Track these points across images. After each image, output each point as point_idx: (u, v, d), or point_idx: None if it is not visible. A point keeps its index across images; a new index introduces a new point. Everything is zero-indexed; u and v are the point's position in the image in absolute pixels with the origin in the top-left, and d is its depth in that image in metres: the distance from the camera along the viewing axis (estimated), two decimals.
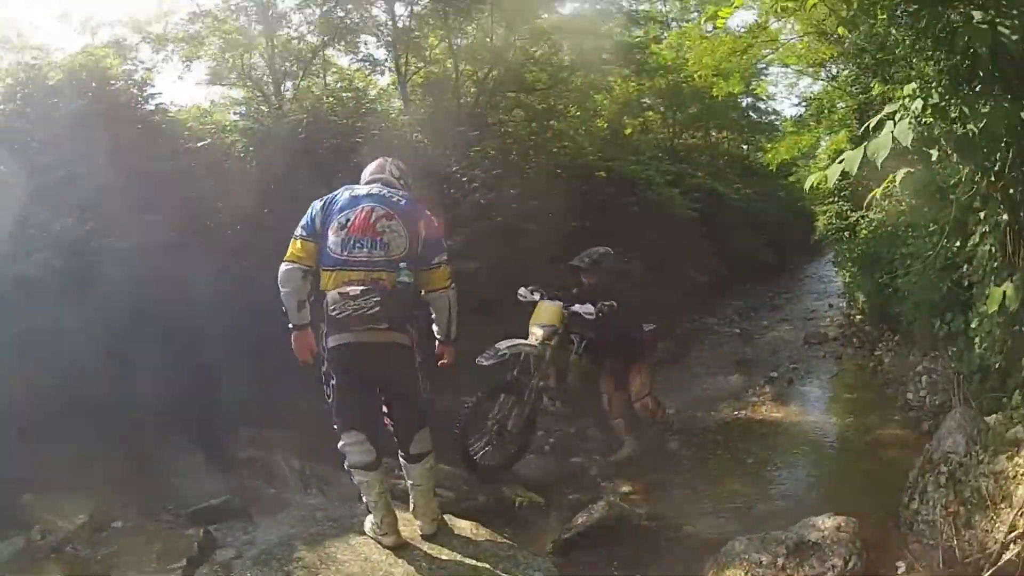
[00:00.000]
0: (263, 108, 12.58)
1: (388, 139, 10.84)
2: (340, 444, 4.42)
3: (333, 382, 4.34)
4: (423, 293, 4.47)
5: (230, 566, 4.64)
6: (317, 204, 4.38)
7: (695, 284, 15.08)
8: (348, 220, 4.24)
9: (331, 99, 11.51)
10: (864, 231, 11.06)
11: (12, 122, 7.64)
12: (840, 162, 3.64)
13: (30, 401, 5.93)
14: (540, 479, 6.71)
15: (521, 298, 7.32)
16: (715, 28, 18.96)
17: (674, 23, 22.95)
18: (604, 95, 17.51)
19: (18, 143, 7.34)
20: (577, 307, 6.90)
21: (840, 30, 9.29)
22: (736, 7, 5.23)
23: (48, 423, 5.88)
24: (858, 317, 12.04)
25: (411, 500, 4.64)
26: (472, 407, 6.33)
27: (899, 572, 4.40)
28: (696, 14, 21.40)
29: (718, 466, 6.83)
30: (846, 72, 15.69)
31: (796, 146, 21.55)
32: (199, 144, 8.94)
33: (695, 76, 18.74)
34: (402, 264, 4.19)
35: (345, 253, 4.20)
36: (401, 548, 4.41)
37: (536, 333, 6.82)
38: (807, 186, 4.19)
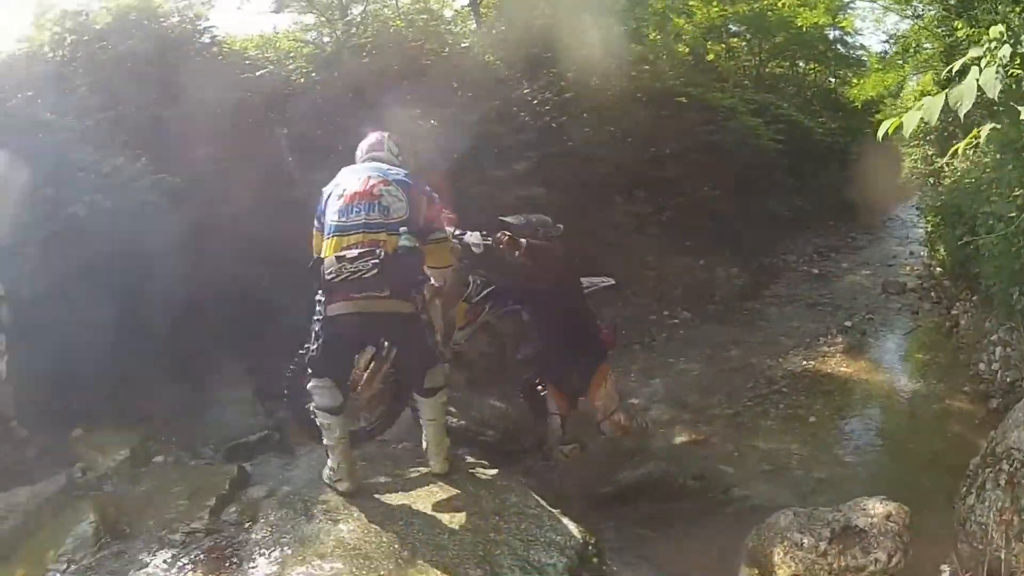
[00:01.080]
0: (328, 32, 12.21)
1: (459, 60, 10.55)
2: (309, 385, 4.35)
3: (320, 341, 4.24)
4: (426, 268, 4.45)
5: (258, 505, 4.52)
6: (325, 190, 4.37)
7: (775, 218, 14.52)
8: (345, 190, 4.22)
9: (399, 21, 11.13)
10: (948, 180, 10.34)
11: (60, 69, 7.62)
12: (919, 109, 3.17)
13: (81, 338, 5.82)
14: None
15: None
16: None
17: None
18: (685, 19, 16.77)
19: (67, 88, 7.29)
20: (467, 235, 5.39)
21: None
22: None
23: (99, 360, 5.80)
24: (938, 270, 11.37)
25: (424, 438, 4.58)
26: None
27: None
28: None
29: (779, 421, 6.55)
30: (932, 11, 14.77)
31: (882, 83, 20.75)
32: (258, 73, 8.68)
33: (780, 4, 18.06)
34: (403, 228, 4.08)
35: (342, 219, 4.14)
36: (354, 495, 4.31)
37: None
38: (880, 134, 3.73)
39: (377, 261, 3.93)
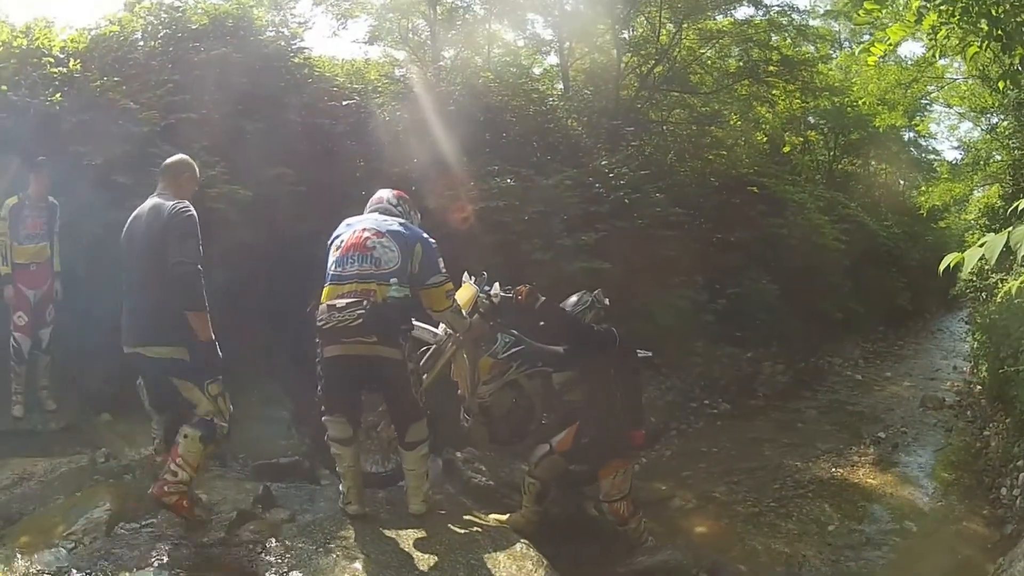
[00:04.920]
0: (419, 73, 12.44)
1: (542, 121, 10.68)
2: (323, 418, 4.62)
3: (322, 381, 4.56)
4: (432, 314, 4.70)
5: (278, 528, 4.54)
6: (330, 241, 4.62)
7: (827, 318, 14.40)
8: (342, 241, 4.47)
9: (490, 73, 11.31)
10: (999, 297, 10.27)
11: (149, 60, 7.70)
12: (980, 246, 3.22)
13: None
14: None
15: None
16: (881, 55, 18.16)
17: (846, 43, 21.99)
18: (767, 108, 16.88)
19: (154, 81, 7.37)
20: (495, 288, 5.25)
21: (1000, 85, 8.60)
22: (892, 45, 4.76)
23: None
24: (978, 388, 11.26)
25: (405, 482, 4.77)
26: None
27: None
28: (867, 37, 20.42)
29: (800, 525, 6.42)
30: (1006, 123, 14.72)
31: (949, 193, 20.60)
32: (344, 103, 8.81)
33: (860, 102, 18.07)
34: (393, 280, 4.30)
35: (339, 269, 4.40)
36: (361, 518, 4.55)
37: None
38: (940, 268, 3.74)
39: (363, 311, 4.13)
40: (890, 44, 4.66)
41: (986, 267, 14.37)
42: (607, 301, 5.43)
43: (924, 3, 3.61)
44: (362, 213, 4.71)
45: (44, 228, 6.06)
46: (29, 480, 4.97)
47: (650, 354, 5.76)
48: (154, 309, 4.26)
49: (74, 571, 3.99)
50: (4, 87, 6.51)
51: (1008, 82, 7.15)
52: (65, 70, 6.95)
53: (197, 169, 4.80)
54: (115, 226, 6.01)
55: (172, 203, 4.34)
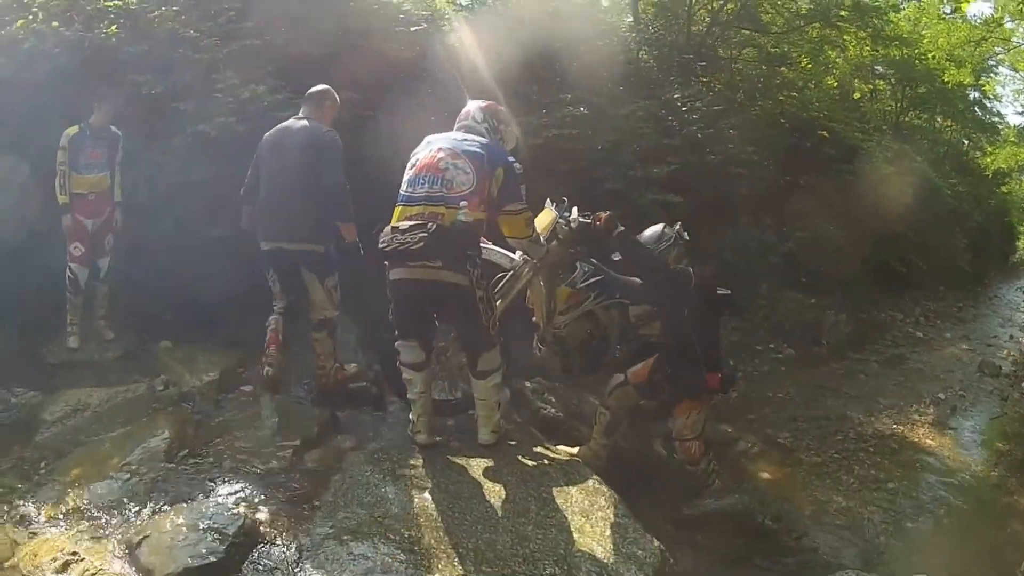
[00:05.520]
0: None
1: (613, 52, 10.43)
2: (396, 343, 4.60)
3: (392, 304, 4.51)
4: (510, 240, 4.64)
5: (342, 455, 4.53)
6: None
7: (890, 271, 14.21)
8: (417, 160, 4.38)
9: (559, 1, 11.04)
10: None
11: None
12: None
13: (185, 253, 5.97)
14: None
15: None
16: (953, 12, 17.68)
17: None
18: (837, 52, 16.40)
19: (214, 9, 7.29)
20: (574, 214, 5.07)
21: None
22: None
23: (200, 278, 5.86)
24: None
25: (475, 411, 4.70)
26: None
27: None
28: None
29: (860, 480, 6.41)
30: None
31: (1015, 157, 20.12)
32: (412, 29, 8.58)
33: (929, 55, 17.62)
34: (463, 203, 4.15)
35: (409, 190, 4.32)
36: (430, 447, 4.53)
37: None
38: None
39: (425, 234, 4.02)
40: None
41: None
42: (687, 236, 5.23)
43: None
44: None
45: (104, 158, 6.06)
46: (84, 411, 4.95)
47: (729, 292, 5.54)
48: (301, 212, 5.05)
49: (128, 502, 3.94)
50: (56, 23, 6.42)
51: None
52: (120, 2, 6.83)
53: (338, 98, 5.49)
54: (177, 153, 6.33)
55: (325, 129, 5.17)
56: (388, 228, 4.20)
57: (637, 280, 5.09)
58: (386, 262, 4.33)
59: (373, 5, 8.47)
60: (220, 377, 5.50)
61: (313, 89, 5.39)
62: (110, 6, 6.79)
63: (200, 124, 6.29)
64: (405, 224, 4.13)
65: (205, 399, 5.28)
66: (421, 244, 4.01)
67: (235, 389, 5.51)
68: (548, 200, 5.21)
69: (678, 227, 5.25)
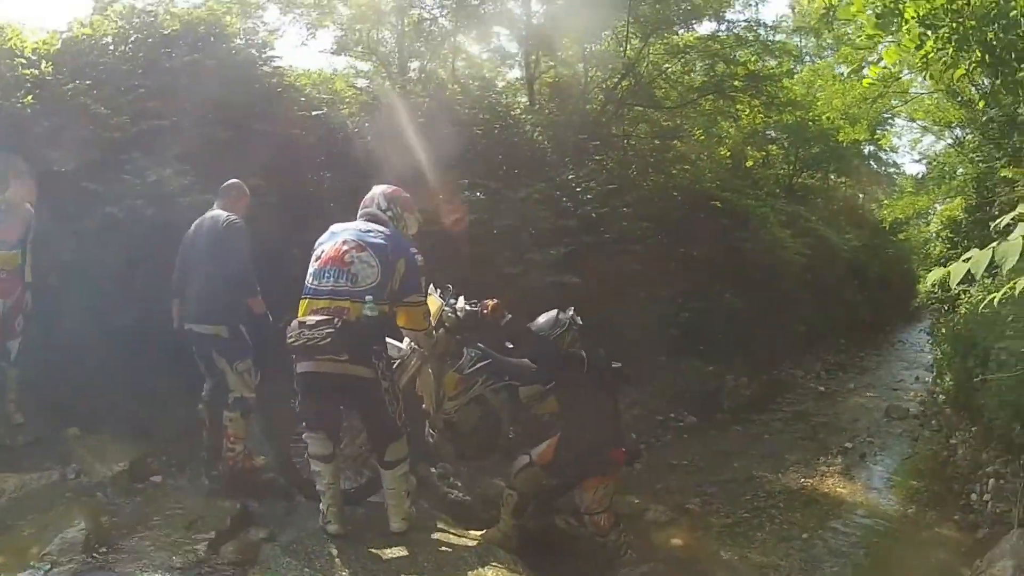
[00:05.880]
0: (386, 84, 12.42)
1: (508, 135, 10.70)
2: (303, 435, 4.62)
3: (299, 396, 4.51)
4: (404, 331, 4.75)
5: (259, 547, 4.52)
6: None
7: (789, 331, 14.61)
8: (322, 252, 4.43)
9: (456, 86, 11.34)
10: (964, 308, 10.46)
11: (120, 65, 7.54)
12: (965, 261, 3.29)
13: (95, 338, 5.90)
14: None
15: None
16: (854, 76, 18.46)
17: (808, 58, 22.28)
18: (730, 123, 17.03)
19: (124, 86, 7.25)
20: (460, 302, 5.17)
21: (980, 103, 8.80)
22: (886, 68, 4.84)
23: (109, 364, 5.85)
24: (941, 398, 11.51)
25: (385, 500, 4.68)
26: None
27: None
28: (830, 52, 20.80)
29: (773, 535, 6.55)
30: (970, 137, 15.02)
31: (912, 206, 20.92)
32: (314, 113, 8.76)
33: (823, 117, 18.30)
34: (368, 297, 4.23)
35: (315, 283, 4.35)
36: (341, 537, 4.49)
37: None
38: (928, 283, 3.77)
39: (332, 330, 4.08)
40: (884, 68, 4.75)
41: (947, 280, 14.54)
42: (580, 320, 5.36)
43: (924, 31, 3.69)
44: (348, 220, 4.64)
45: (17, 235, 5.79)
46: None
47: (620, 365, 5.67)
48: (207, 295, 5.23)
49: None
50: None
51: (989, 100, 7.31)
52: (37, 72, 6.81)
53: (247, 189, 5.71)
54: (86, 235, 6.18)
55: (228, 215, 5.36)
56: (295, 322, 4.22)
57: (526, 361, 5.22)
58: (293, 355, 4.32)
59: (276, 88, 8.56)
60: (130, 467, 5.43)
61: (225, 184, 5.60)
62: (27, 74, 6.74)
63: (108, 206, 6.25)
64: (312, 319, 4.16)
65: (117, 489, 5.20)
66: (328, 340, 4.06)
67: (145, 480, 5.43)
68: (432, 286, 5.26)
69: (571, 312, 5.37)
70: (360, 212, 4.68)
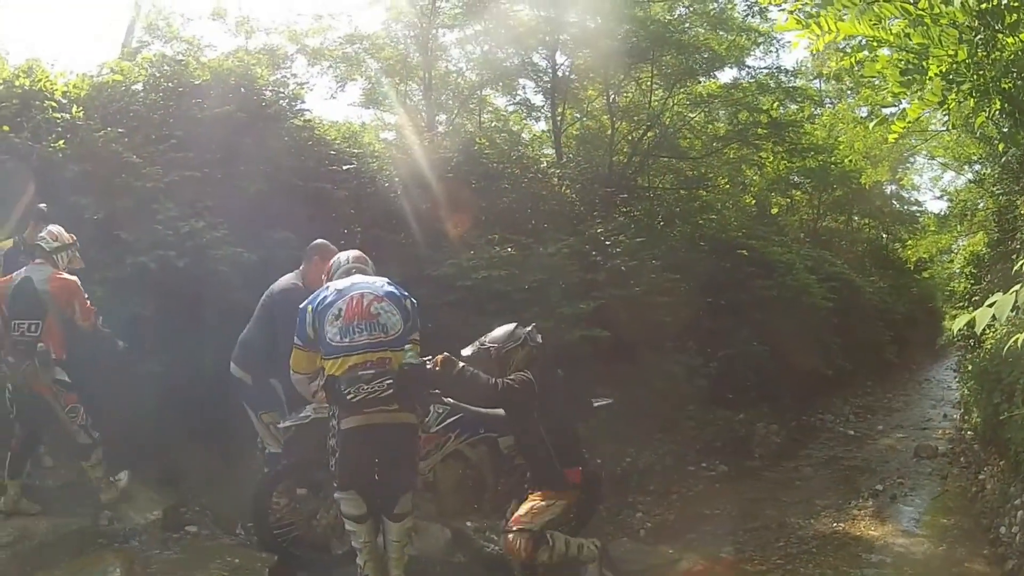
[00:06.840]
0: (415, 139, 12.65)
1: (536, 189, 10.89)
2: (336, 495, 4.54)
3: (338, 455, 4.42)
4: None
5: None
6: (308, 308, 4.47)
7: (817, 376, 14.57)
8: (341, 310, 4.35)
9: (483, 140, 11.53)
10: (989, 344, 10.48)
11: (151, 113, 7.65)
12: (990, 306, 3.41)
13: (126, 385, 5.91)
14: None
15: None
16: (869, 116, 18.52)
17: (828, 102, 22.37)
18: (754, 171, 17.20)
19: (156, 135, 7.37)
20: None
21: (1000, 146, 8.87)
22: (911, 121, 4.98)
23: (141, 411, 5.85)
24: (969, 434, 11.48)
25: (387, 551, 4.64)
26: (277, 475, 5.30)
27: None
28: (851, 95, 20.94)
29: None
30: (990, 171, 15.07)
31: (936, 244, 20.90)
32: (344, 168, 8.87)
33: (845, 160, 18.38)
34: (407, 345, 4.34)
35: (347, 340, 4.30)
36: None
37: None
38: (954, 329, 3.89)
39: (391, 380, 4.18)
40: (909, 121, 4.90)
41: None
42: (540, 338, 5.16)
43: (947, 85, 3.84)
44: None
45: None
46: (31, 539, 4.90)
47: (610, 401, 5.79)
48: (245, 342, 5.39)
49: None
50: (6, 127, 6.44)
51: (1007, 142, 7.41)
52: (68, 116, 6.90)
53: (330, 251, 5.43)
54: (116, 283, 6.14)
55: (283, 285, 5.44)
56: (345, 377, 4.21)
57: (500, 411, 5.06)
58: (336, 413, 4.33)
59: (307, 141, 8.68)
60: (164, 516, 5.50)
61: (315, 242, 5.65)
62: (58, 118, 6.79)
63: (140, 255, 6.23)
64: (367, 373, 4.19)
65: (151, 538, 5.27)
66: (389, 391, 4.17)
67: (180, 529, 5.50)
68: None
69: (531, 328, 5.21)
70: (351, 267, 4.69)
